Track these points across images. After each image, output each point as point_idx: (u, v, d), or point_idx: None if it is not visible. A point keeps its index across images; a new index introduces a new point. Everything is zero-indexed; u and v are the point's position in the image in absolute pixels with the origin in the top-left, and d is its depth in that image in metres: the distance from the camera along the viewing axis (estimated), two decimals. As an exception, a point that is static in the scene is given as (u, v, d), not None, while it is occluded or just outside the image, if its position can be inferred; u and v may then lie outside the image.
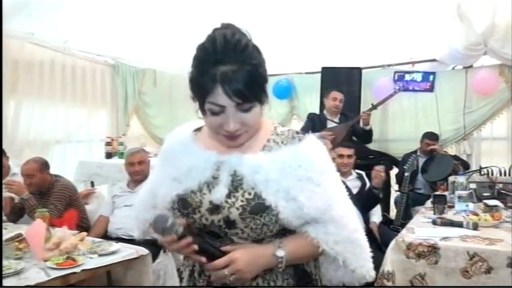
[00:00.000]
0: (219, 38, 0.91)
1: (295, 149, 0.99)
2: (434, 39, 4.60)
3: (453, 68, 4.85)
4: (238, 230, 0.98)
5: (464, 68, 4.73)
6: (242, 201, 0.96)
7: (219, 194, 0.98)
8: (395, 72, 4.86)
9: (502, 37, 4.25)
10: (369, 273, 1.07)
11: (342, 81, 4.69)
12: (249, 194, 0.97)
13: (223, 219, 0.97)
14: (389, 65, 4.95)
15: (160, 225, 0.95)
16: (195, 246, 0.95)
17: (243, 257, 0.95)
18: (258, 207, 0.96)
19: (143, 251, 2.28)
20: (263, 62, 0.96)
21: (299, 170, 0.97)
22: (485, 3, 4.22)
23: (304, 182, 0.97)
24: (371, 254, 1.08)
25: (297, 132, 1.05)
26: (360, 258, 1.05)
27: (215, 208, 0.98)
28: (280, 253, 0.98)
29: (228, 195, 0.98)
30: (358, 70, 4.80)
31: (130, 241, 2.62)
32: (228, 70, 0.90)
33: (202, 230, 1.01)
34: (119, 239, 2.65)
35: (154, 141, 5.20)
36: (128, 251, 2.23)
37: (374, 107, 4.31)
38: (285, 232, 1.02)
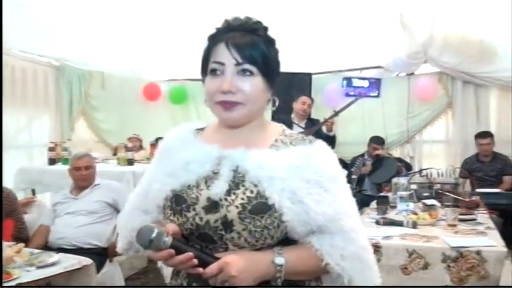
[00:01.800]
0: (232, 18, 0.94)
1: (305, 151, 0.92)
2: (380, 47, 4.81)
3: (397, 75, 5.11)
4: (235, 233, 0.87)
5: (407, 75, 4.99)
6: (243, 199, 0.87)
7: (218, 189, 0.89)
8: (344, 78, 5.04)
9: (440, 47, 4.54)
10: None
11: (292, 86, 4.77)
12: (251, 191, 0.88)
13: (220, 219, 0.87)
14: (338, 71, 5.11)
15: (144, 237, 0.83)
16: (195, 261, 0.83)
17: (236, 261, 0.84)
18: (260, 207, 0.86)
19: (86, 260, 2.18)
20: (275, 44, 0.95)
21: (308, 172, 0.88)
22: (425, 14, 4.48)
23: (313, 184, 0.88)
24: (380, 280, 0.96)
25: (307, 136, 0.99)
26: (368, 280, 0.92)
27: (212, 206, 0.89)
28: (280, 260, 0.86)
29: (228, 192, 0.88)
30: (308, 75, 4.91)
31: (73, 251, 2.52)
32: (237, 34, 0.91)
33: (193, 233, 0.90)
34: (61, 249, 2.52)
35: (102, 146, 5.02)
36: (70, 262, 2.13)
37: (336, 113, 4.36)
38: (285, 244, 0.91)
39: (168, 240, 0.83)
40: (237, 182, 0.90)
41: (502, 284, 1.92)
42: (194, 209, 0.90)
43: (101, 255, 2.69)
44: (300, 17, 4.51)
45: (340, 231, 0.89)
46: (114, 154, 4.29)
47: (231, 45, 0.89)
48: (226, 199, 0.88)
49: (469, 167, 4.12)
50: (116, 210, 2.90)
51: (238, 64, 0.89)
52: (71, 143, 4.26)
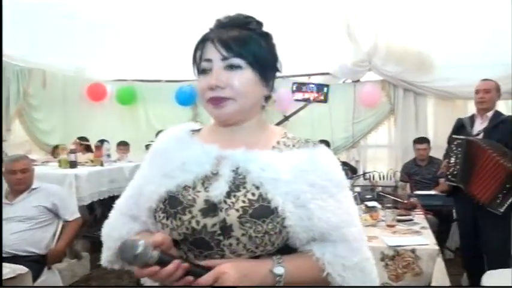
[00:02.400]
0: (223, 16, 0.91)
1: (309, 154, 0.87)
2: (327, 55, 4.99)
3: (344, 82, 5.31)
4: (234, 239, 0.81)
5: (353, 82, 5.21)
6: (244, 201, 0.82)
7: (218, 190, 0.83)
8: (294, 83, 5.15)
9: (383, 56, 4.79)
10: None
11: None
12: (253, 194, 0.82)
13: (218, 223, 0.81)
14: (288, 76, 5.22)
15: (129, 252, 0.75)
16: (185, 265, 0.78)
17: (233, 271, 0.78)
18: (262, 211, 0.81)
19: (21, 269, 2.08)
20: (269, 37, 0.92)
21: (312, 175, 0.84)
22: (370, 26, 4.71)
23: (318, 189, 0.84)
24: None
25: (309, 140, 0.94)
26: None
27: (211, 209, 0.83)
28: (279, 270, 0.81)
29: (228, 195, 0.83)
30: (259, 80, 4.97)
31: (8, 259, 2.36)
32: (224, 30, 0.88)
33: (187, 238, 0.84)
34: (-7, 258, 2.35)
35: (40, 148, 4.76)
36: (3, 270, 2.00)
37: (286, 118, 4.45)
38: (284, 252, 0.86)
39: (155, 254, 0.76)
40: (237, 183, 0.84)
41: (433, 279, 2.05)
42: (190, 212, 0.84)
43: (39, 262, 2.56)
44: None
45: (343, 240, 0.85)
46: (54, 156, 4.08)
47: (217, 41, 0.86)
48: (225, 201, 0.82)
49: (408, 171, 4.35)
50: (56, 215, 2.77)
51: (224, 59, 0.85)
52: (7, 144, 4.01)
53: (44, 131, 4.89)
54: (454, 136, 2.99)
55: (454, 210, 3.67)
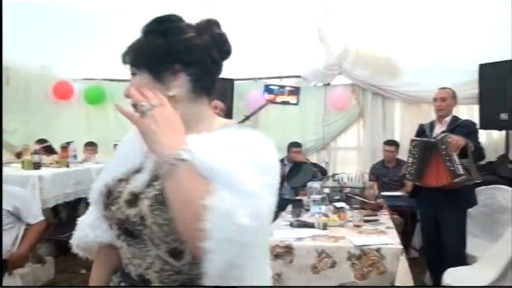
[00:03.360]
0: None
1: (231, 133, 0.84)
2: (299, 58, 5.05)
3: (315, 85, 5.38)
4: (148, 228, 0.82)
5: (323, 85, 5.29)
6: (157, 190, 0.82)
7: (139, 181, 0.87)
8: (265, 85, 5.18)
9: (353, 60, 4.90)
10: None
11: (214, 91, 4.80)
12: None
13: (138, 213, 0.83)
14: (259, 78, 5.26)
15: None
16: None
17: (165, 108, 0.79)
18: None
19: (-21, 274, 1.97)
20: (168, 33, 0.87)
21: (227, 151, 0.78)
22: (340, 30, 4.81)
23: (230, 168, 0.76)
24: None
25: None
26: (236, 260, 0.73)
27: (133, 200, 0.85)
28: (186, 156, 0.73)
29: (148, 185, 0.85)
30: (230, 81, 4.98)
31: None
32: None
33: (120, 227, 0.88)
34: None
35: (5, 149, 4.58)
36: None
37: (247, 117, 4.49)
38: None
39: None
40: (157, 174, 0.84)
41: (397, 278, 2.11)
42: (117, 203, 0.87)
43: (-3, 268, 2.45)
44: (224, 24, 4.57)
45: (241, 192, 0.73)
46: (18, 157, 3.94)
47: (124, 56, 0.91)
48: (144, 192, 0.84)
49: (376, 172, 4.47)
50: (18, 218, 2.66)
51: (129, 68, 0.91)
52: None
53: (7, 131, 4.70)
54: (412, 138, 3.16)
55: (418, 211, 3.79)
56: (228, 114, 4.87)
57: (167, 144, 0.75)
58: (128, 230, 0.86)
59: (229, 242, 0.70)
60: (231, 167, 0.75)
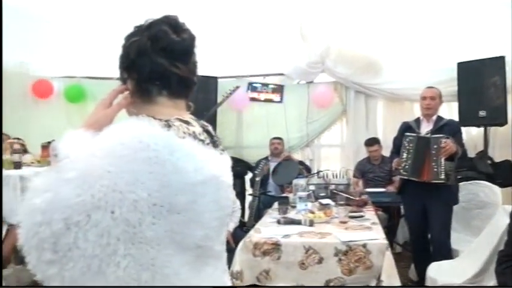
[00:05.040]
0: None
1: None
2: (282, 56, 5.06)
3: (298, 83, 5.41)
4: None
5: (307, 83, 5.32)
6: None
7: None
8: (249, 83, 5.18)
9: (335, 58, 4.93)
10: None
11: (198, 89, 4.75)
12: None
13: None
14: (243, 76, 5.24)
15: None
16: None
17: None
18: None
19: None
20: (127, 39, 0.92)
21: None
22: (322, 28, 4.84)
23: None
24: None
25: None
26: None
27: None
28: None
29: None
30: (214, 79, 4.96)
31: None
32: None
33: None
34: None
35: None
36: None
37: (207, 115, 4.25)
38: None
39: None
40: None
41: (383, 272, 2.15)
42: None
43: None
44: (207, 22, 4.54)
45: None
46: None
47: None
48: None
49: (362, 168, 4.53)
50: (-2, 219, 2.59)
51: None
52: None
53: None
54: (406, 134, 3.18)
55: (401, 207, 3.86)
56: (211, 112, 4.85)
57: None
58: None
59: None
60: None
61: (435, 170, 2.91)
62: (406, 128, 3.29)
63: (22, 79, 5.06)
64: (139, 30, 0.91)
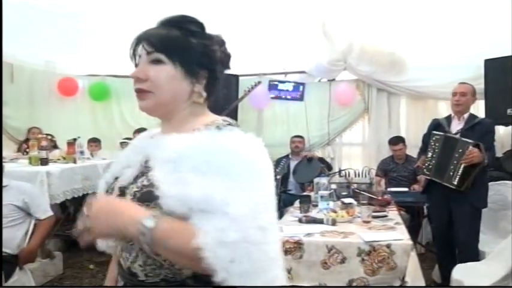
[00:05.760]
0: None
1: (207, 135, 0.84)
2: (304, 53, 5.03)
3: (319, 80, 5.37)
4: None
5: (328, 80, 5.27)
6: (138, 186, 0.84)
7: (126, 175, 0.90)
8: (270, 81, 5.18)
9: (357, 56, 4.87)
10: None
11: (220, 86, 4.79)
12: (148, 179, 0.83)
13: None
14: (264, 74, 5.24)
15: None
16: None
17: (98, 204, 0.82)
18: (147, 195, 0.81)
19: (-9, 269, 1.99)
20: (200, 36, 0.92)
21: (198, 156, 0.79)
22: (345, 25, 4.78)
23: (202, 170, 0.77)
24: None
25: (229, 123, 0.91)
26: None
27: (121, 194, 0.87)
28: (149, 223, 0.75)
29: (133, 180, 0.87)
30: (236, 77, 4.97)
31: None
32: (155, 28, 0.92)
33: None
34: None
35: (12, 144, 4.58)
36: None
37: (228, 110, 4.27)
38: None
39: None
40: (144, 170, 0.88)
41: (407, 273, 2.11)
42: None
43: (10, 262, 2.47)
44: (229, 20, 4.55)
45: (225, 213, 0.73)
46: (21, 152, 3.93)
47: (144, 38, 0.90)
48: (128, 187, 0.87)
49: (385, 167, 4.46)
50: (28, 213, 2.67)
51: (148, 53, 0.89)
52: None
53: (13, 127, 4.71)
54: (433, 132, 3.07)
55: (425, 207, 3.79)
56: (233, 109, 4.87)
57: (128, 221, 0.78)
58: None
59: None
60: (207, 191, 0.75)
61: (451, 173, 2.82)
62: (435, 125, 3.15)
63: (48, 77, 5.20)
64: (217, 42, 0.94)
